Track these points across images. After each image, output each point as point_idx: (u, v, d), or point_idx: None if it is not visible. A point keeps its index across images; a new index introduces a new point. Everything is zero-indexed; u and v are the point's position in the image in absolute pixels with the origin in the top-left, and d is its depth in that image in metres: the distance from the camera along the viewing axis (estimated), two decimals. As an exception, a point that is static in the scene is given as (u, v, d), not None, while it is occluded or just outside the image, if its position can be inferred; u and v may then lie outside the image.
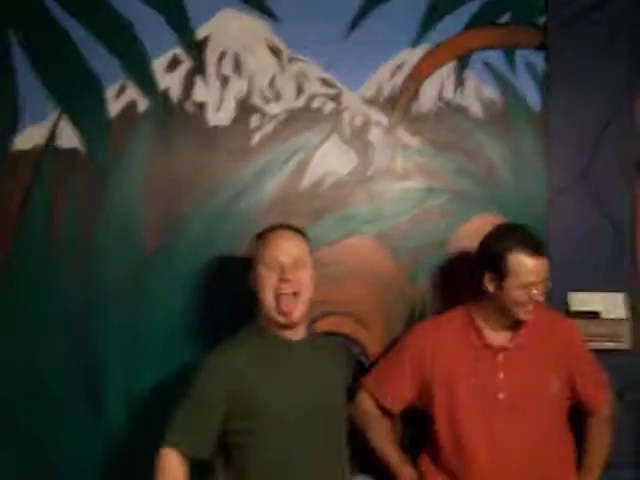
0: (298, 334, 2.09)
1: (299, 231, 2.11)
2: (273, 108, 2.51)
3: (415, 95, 2.57)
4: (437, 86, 2.58)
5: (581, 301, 2.53)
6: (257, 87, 2.51)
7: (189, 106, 2.49)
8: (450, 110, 2.57)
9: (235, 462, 2.02)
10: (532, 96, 2.61)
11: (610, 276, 2.58)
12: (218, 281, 2.47)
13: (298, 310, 2.03)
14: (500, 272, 2.17)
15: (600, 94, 2.64)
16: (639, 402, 2.61)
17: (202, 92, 2.49)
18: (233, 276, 2.43)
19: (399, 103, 2.56)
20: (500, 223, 2.35)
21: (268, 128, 2.51)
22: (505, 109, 2.59)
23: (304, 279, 2.03)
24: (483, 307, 2.26)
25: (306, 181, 2.51)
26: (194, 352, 2.38)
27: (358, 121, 2.55)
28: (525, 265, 2.14)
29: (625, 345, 2.57)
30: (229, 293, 2.45)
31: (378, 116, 2.55)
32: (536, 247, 2.15)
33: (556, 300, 2.48)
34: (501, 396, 2.21)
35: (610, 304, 2.56)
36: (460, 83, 2.58)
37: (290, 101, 2.52)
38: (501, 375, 2.22)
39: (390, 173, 2.54)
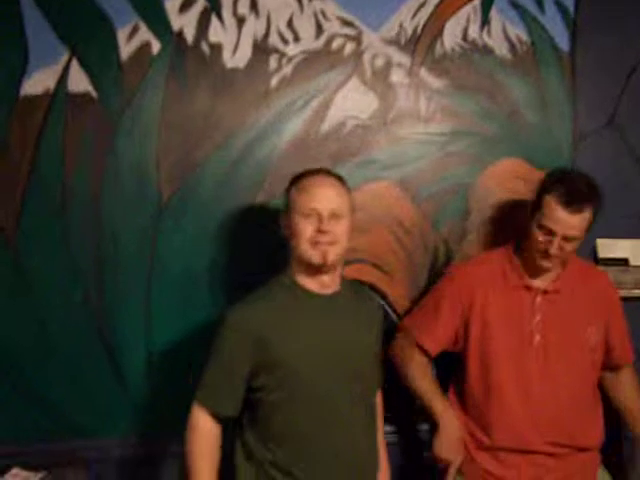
0: (331, 286, 2.00)
1: (339, 178, 1.99)
2: (292, 49, 2.42)
3: (438, 35, 2.47)
4: (461, 25, 2.48)
5: (609, 248, 2.48)
6: (275, 27, 2.42)
7: (204, 48, 2.39)
8: (475, 50, 2.49)
9: (261, 418, 1.97)
10: (560, 37, 2.53)
11: (639, 222, 2.52)
12: (238, 231, 2.41)
13: (333, 254, 1.93)
14: (535, 208, 2.13)
15: (629, 37, 2.58)
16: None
17: (218, 33, 2.39)
18: (253, 225, 2.39)
19: (421, 43, 2.47)
20: (560, 167, 2.26)
21: (286, 70, 2.41)
22: (532, 50, 2.51)
23: (341, 230, 1.94)
24: (522, 248, 2.22)
25: (326, 125, 2.43)
26: (213, 307, 2.35)
27: (379, 62, 2.46)
28: (552, 210, 2.08)
29: (653, 292, 2.53)
30: (251, 243, 2.40)
31: (400, 57, 2.46)
32: (572, 200, 2.07)
33: (584, 247, 2.41)
34: (537, 338, 2.18)
35: (638, 251, 2.50)
36: (486, 22, 2.49)
37: (309, 42, 2.42)
38: (538, 317, 2.19)
39: (412, 116, 2.46)
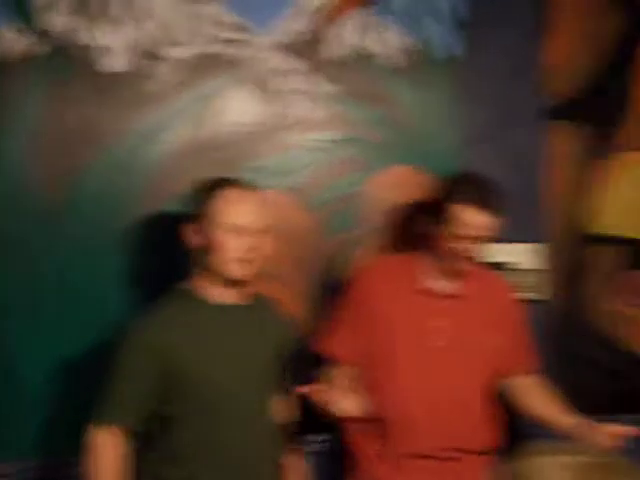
0: (240, 299, 1.99)
1: (254, 190, 1.97)
2: (180, 53, 2.34)
3: (332, 41, 2.45)
4: (351, 31, 2.48)
5: (499, 252, 2.52)
6: (162, 30, 2.33)
7: (83, 50, 2.28)
8: (364, 57, 2.48)
9: (168, 434, 1.92)
10: (449, 44, 2.56)
11: (526, 227, 2.58)
12: (124, 238, 2.31)
13: (255, 270, 1.94)
14: (442, 217, 2.12)
15: (517, 43, 2.62)
16: (549, 353, 2.65)
17: (99, 34, 2.29)
18: (141, 233, 2.31)
19: (315, 49, 2.45)
20: (464, 171, 2.28)
21: (174, 74, 2.34)
22: (422, 56, 2.53)
23: (264, 246, 1.94)
24: (424, 253, 2.22)
25: (215, 131, 2.37)
26: (98, 315, 2.26)
27: (270, 68, 2.42)
28: (466, 215, 2.08)
29: (540, 296, 2.59)
30: (139, 250, 2.32)
31: (291, 63, 2.43)
32: (486, 204, 2.09)
33: (473, 252, 2.46)
34: (439, 343, 2.18)
35: (526, 255, 2.57)
36: (375, 29, 2.49)
37: (198, 45, 2.36)
38: (441, 322, 2.19)
39: (302, 122, 2.44)
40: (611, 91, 2.73)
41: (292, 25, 2.43)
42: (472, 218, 2.08)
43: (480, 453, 2.24)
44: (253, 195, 1.95)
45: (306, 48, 2.43)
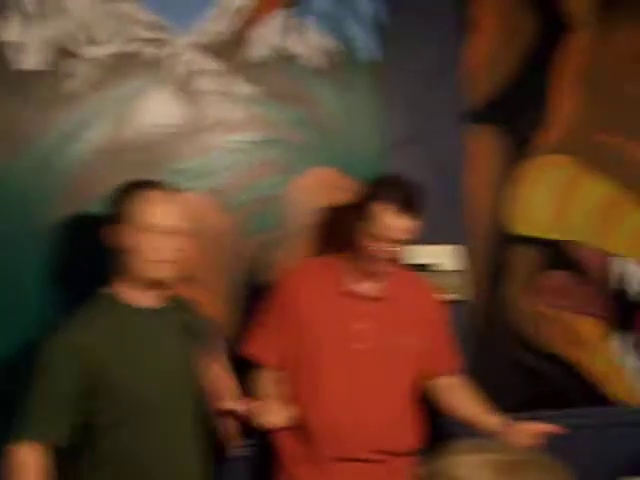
0: (159, 301, 1.98)
1: (176, 193, 1.97)
2: (96, 51, 2.29)
3: (251, 41, 2.43)
4: (272, 32, 2.46)
5: (418, 254, 2.53)
6: (78, 28, 2.27)
7: (-1, 47, 2.22)
8: (286, 58, 2.47)
9: (94, 442, 1.89)
10: (370, 47, 2.56)
11: (444, 228, 2.60)
12: (40, 243, 2.25)
13: (173, 271, 1.94)
14: (364, 218, 2.12)
15: (435, 46, 2.64)
16: (472, 353, 2.69)
17: (13, 31, 2.22)
18: (58, 236, 2.25)
19: (232, 50, 2.42)
20: (387, 173, 2.29)
21: (91, 74, 2.28)
22: (343, 59, 2.52)
23: (182, 247, 1.94)
24: (347, 255, 2.22)
25: (133, 132, 2.32)
26: (19, 315, 2.21)
27: (189, 68, 2.38)
28: (385, 218, 2.09)
29: (460, 297, 2.61)
30: (56, 255, 2.25)
31: (210, 63, 2.40)
32: (406, 207, 2.09)
33: (393, 254, 2.47)
34: (362, 346, 2.18)
35: (446, 256, 2.59)
36: (296, 30, 2.48)
37: (115, 45, 2.31)
38: (363, 324, 2.18)
39: (222, 124, 2.41)
40: (531, 93, 2.77)
41: (213, 25, 2.40)
42: (392, 220, 2.09)
43: (404, 454, 2.25)
44: (172, 197, 1.94)
45: (227, 49, 2.41)
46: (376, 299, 2.21)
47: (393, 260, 2.16)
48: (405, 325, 2.23)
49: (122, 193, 1.93)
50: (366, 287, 2.21)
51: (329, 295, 2.21)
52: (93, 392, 1.86)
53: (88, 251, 2.21)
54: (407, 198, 2.11)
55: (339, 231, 2.31)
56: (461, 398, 2.31)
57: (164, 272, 1.91)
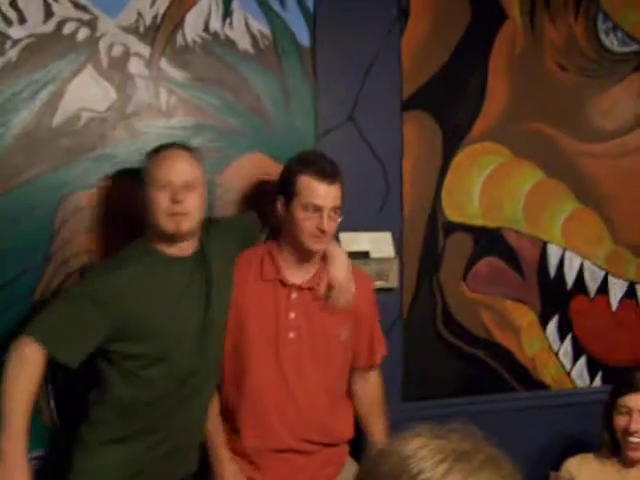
0: (186, 250, 2.07)
1: (191, 151, 2.08)
2: (16, 32, 2.20)
3: (179, 25, 2.37)
4: (203, 17, 2.41)
5: (351, 241, 2.53)
6: (1, 5, 2.18)
7: None
8: (216, 43, 2.42)
9: (116, 383, 1.99)
10: (301, 32, 2.53)
11: (378, 215, 2.61)
12: None
13: (187, 223, 2.01)
14: (290, 194, 2.13)
15: (367, 34, 2.63)
16: (404, 339, 2.70)
17: None
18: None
19: (161, 33, 2.36)
20: (306, 150, 2.32)
21: (11, 55, 2.19)
22: (274, 44, 2.49)
23: (194, 200, 2.02)
24: (279, 242, 2.20)
25: (58, 117, 2.24)
26: None
27: (116, 51, 2.31)
28: (312, 187, 2.10)
29: (393, 284, 2.62)
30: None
31: (139, 46, 2.33)
32: (327, 173, 2.11)
33: (326, 241, 2.46)
34: (291, 335, 2.16)
35: (378, 243, 2.59)
36: (227, 14, 2.43)
37: (37, 25, 2.22)
38: (292, 314, 2.17)
39: (152, 109, 2.34)
40: (465, 80, 2.79)
41: (142, 8, 2.34)
42: (315, 186, 2.10)
43: (337, 444, 2.26)
44: (181, 153, 2.05)
45: (154, 32, 2.34)
46: (306, 289, 2.19)
47: (326, 235, 2.13)
48: (333, 315, 2.21)
49: (146, 156, 2.09)
50: (296, 276, 2.19)
51: (259, 283, 2.18)
52: (122, 335, 1.96)
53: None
54: (324, 166, 2.14)
55: (270, 216, 2.27)
56: (365, 398, 2.35)
57: (180, 225, 1.99)
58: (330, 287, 2.18)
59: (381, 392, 2.37)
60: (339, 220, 2.16)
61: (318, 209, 2.10)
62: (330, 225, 2.12)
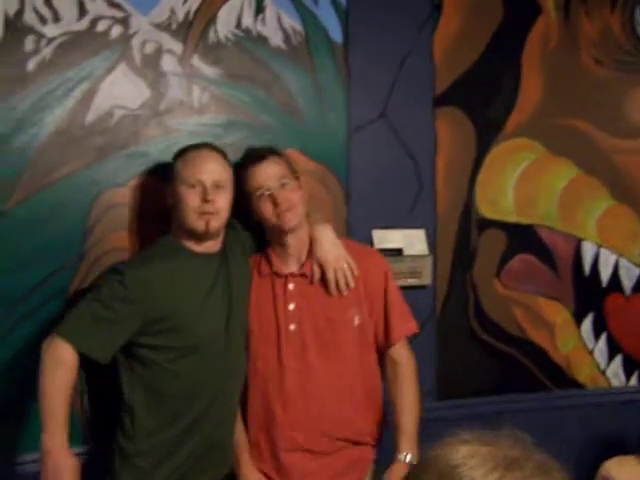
0: (212, 249, 2.10)
1: (221, 152, 2.11)
2: (51, 30, 2.21)
3: (212, 22, 2.37)
4: (236, 12, 2.40)
5: (383, 238, 2.51)
6: (30, 3, 2.18)
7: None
8: (249, 39, 2.41)
9: (144, 377, 2.01)
10: (333, 29, 2.51)
11: (411, 213, 2.58)
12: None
13: (216, 223, 2.04)
14: (248, 191, 2.15)
15: (400, 29, 2.60)
16: (437, 337, 2.68)
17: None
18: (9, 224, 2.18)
19: (194, 30, 2.35)
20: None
21: (45, 53, 2.20)
22: (306, 40, 2.47)
23: (224, 200, 2.05)
24: (269, 234, 2.17)
25: (91, 115, 2.24)
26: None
27: (149, 48, 2.31)
28: (254, 174, 2.12)
29: (426, 281, 2.60)
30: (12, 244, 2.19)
31: (171, 43, 2.33)
32: (255, 156, 2.15)
33: (359, 237, 2.44)
34: (292, 327, 2.10)
35: (412, 241, 2.57)
36: (260, 10, 2.42)
37: (71, 23, 2.22)
38: (292, 305, 2.11)
39: (184, 106, 2.34)
40: (498, 76, 2.75)
41: (173, 5, 2.34)
42: (258, 171, 2.10)
43: (357, 442, 2.15)
44: (211, 154, 2.08)
45: (187, 29, 2.34)
46: (301, 275, 2.13)
47: (292, 208, 2.09)
48: (338, 300, 2.12)
49: (175, 155, 2.11)
50: (292, 265, 2.15)
51: (259, 279, 2.15)
52: (151, 328, 1.98)
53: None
54: (254, 150, 2.18)
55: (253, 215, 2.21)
56: (390, 388, 2.18)
57: (209, 224, 2.02)
58: (322, 269, 2.12)
59: (410, 377, 2.17)
60: (298, 194, 2.14)
61: (269, 189, 2.11)
62: (288, 200, 2.09)
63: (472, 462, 0.94)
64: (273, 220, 2.10)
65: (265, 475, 2.13)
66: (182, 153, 2.10)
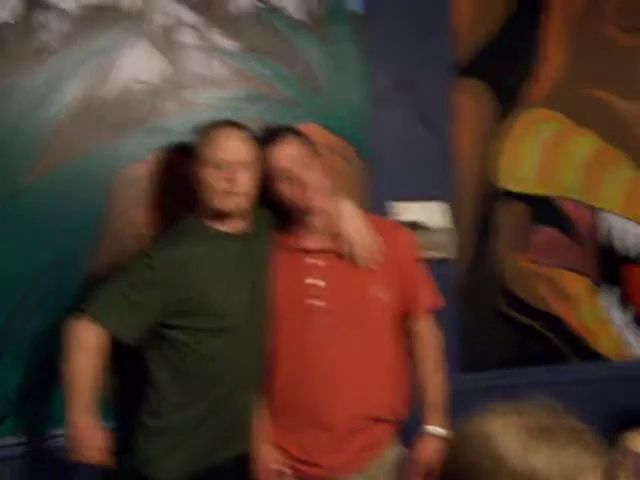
0: (237, 228, 2.07)
1: (244, 129, 2.06)
2: (68, 3, 2.19)
3: (230, -6, 2.35)
4: (253, -16, 2.37)
5: (405, 211, 2.49)
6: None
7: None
8: (268, 11, 2.38)
9: (171, 357, 2.01)
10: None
11: (433, 185, 2.56)
12: (12, 207, 2.18)
13: (242, 202, 2.01)
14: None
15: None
16: (461, 310, 2.67)
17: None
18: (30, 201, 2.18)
19: (213, 3, 2.32)
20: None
21: (63, 26, 2.18)
22: (325, 12, 2.44)
23: (249, 179, 2.01)
24: (291, 211, 2.11)
25: (110, 89, 2.23)
26: None
27: (167, 22, 2.29)
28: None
29: (449, 254, 2.58)
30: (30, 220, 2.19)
31: (189, 16, 2.31)
32: (277, 136, 2.08)
33: (380, 211, 2.42)
34: (321, 304, 2.05)
35: (434, 214, 2.55)
36: (278, -19, 2.39)
37: (89, -4, 2.21)
38: (321, 282, 2.06)
39: (204, 80, 2.32)
40: (519, 46, 2.71)
41: (191, -23, 2.31)
42: (278, 151, 2.05)
43: (381, 420, 2.11)
44: (235, 132, 2.03)
45: (206, 2, 2.32)
46: (334, 252, 2.08)
47: (316, 189, 2.03)
48: (364, 275, 2.08)
49: (197, 133, 2.06)
50: (319, 240, 2.10)
51: (282, 252, 2.11)
52: (182, 309, 1.97)
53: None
54: (277, 130, 2.12)
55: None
56: (416, 359, 2.17)
57: (235, 204, 2.00)
58: (347, 245, 2.07)
59: (435, 350, 2.16)
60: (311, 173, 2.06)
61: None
62: (308, 178, 2.04)
63: (507, 433, 0.94)
64: (298, 202, 2.05)
65: (286, 451, 2.11)
66: (205, 132, 2.05)
